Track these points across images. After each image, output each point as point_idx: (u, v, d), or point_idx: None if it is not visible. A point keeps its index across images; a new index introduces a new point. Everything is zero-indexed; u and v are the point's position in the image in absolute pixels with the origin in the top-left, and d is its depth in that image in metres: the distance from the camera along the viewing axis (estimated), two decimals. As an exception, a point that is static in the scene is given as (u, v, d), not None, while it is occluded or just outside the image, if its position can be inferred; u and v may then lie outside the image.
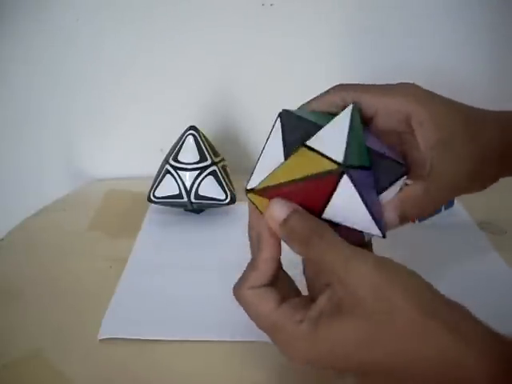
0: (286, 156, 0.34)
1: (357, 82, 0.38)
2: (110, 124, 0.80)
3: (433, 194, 0.36)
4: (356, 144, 0.34)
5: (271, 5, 0.74)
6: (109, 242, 0.63)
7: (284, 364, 0.43)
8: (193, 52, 0.76)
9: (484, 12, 0.75)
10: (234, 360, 0.44)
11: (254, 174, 0.36)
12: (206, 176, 0.63)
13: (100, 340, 0.46)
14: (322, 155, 0.33)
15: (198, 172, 0.63)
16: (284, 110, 0.36)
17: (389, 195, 0.36)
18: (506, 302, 0.48)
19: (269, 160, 0.35)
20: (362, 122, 0.36)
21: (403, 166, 0.36)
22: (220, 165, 0.64)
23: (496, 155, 0.37)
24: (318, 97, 0.39)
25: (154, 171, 0.66)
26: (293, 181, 0.33)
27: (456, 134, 0.36)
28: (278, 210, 0.33)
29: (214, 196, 0.62)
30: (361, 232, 0.35)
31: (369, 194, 0.34)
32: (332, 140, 0.34)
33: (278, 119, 0.36)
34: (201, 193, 0.62)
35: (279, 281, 0.36)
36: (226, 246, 0.59)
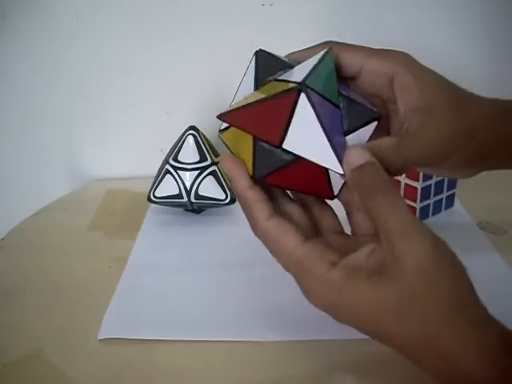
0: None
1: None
2: (110, 124, 0.80)
3: (404, 150, 0.34)
4: (322, 76, 0.34)
5: (271, 5, 0.74)
6: (109, 242, 0.63)
7: (284, 364, 0.43)
8: (193, 52, 0.76)
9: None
10: (234, 360, 0.44)
11: (231, 106, 0.36)
12: (206, 176, 0.63)
13: (100, 340, 0.46)
14: (287, 81, 0.33)
15: (198, 172, 0.63)
16: (260, 50, 0.36)
17: (357, 139, 0.35)
18: (506, 301, 0.48)
19: (241, 97, 0.35)
20: (338, 71, 0.36)
21: (375, 113, 0.35)
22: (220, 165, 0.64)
23: (479, 129, 0.36)
24: (303, 49, 0.38)
25: (154, 171, 0.66)
26: (254, 102, 0.33)
27: (439, 102, 0.35)
28: (356, 155, 0.32)
29: (214, 196, 0.62)
30: (324, 170, 0.34)
31: (332, 128, 0.33)
32: (299, 72, 0.33)
33: (254, 57, 0.36)
34: (201, 193, 0.62)
35: (292, 215, 0.35)
36: (226, 246, 0.59)
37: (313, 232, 0.36)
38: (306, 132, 0.32)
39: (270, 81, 0.34)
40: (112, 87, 0.78)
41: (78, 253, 0.60)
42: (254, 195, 0.33)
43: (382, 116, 0.35)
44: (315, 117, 0.32)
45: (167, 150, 0.67)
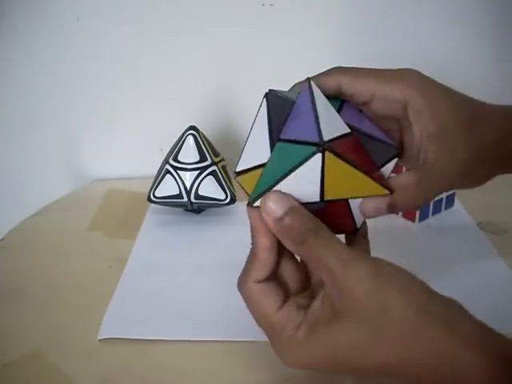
0: (271, 140, 0.34)
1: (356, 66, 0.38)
2: (110, 124, 0.80)
3: (425, 185, 0.35)
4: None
5: (271, 5, 0.74)
6: (109, 241, 0.63)
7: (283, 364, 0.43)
8: (193, 52, 0.76)
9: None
10: (234, 360, 0.44)
11: (242, 157, 0.36)
12: (206, 176, 0.63)
13: (100, 340, 0.46)
14: (298, 142, 0.32)
15: (197, 172, 0.63)
16: (270, 91, 0.36)
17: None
18: (506, 302, 0.48)
19: (255, 143, 0.35)
20: (349, 98, 0.36)
21: (395, 148, 0.35)
22: (220, 165, 0.64)
23: (493, 150, 0.37)
24: (313, 77, 0.38)
25: (154, 171, 0.66)
26: (281, 178, 0.33)
27: (453, 126, 0.35)
28: (274, 205, 0.32)
29: (214, 196, 0.62)
30: (347, 206, 0.34)
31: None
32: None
33: (264, 100, 0.35)
34: (201, 193, 0.62)
35: (283, 271, 0.35)
36: (226, 245, 0.59)
37: (300, 286, 0.36)
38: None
39: (276, 143, 0.34)
40: (112, 87, 0.78)
41: (77, 253, 0.60)
42: (264, 256, 0.34)
43: (400, 152, 0.35)
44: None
45: (167, 150, 0.67)
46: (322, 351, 0.31)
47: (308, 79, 0.35)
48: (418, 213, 0.61)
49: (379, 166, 0.35)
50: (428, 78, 0.37)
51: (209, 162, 0.63)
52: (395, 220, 0.63)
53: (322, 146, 0.31)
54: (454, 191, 0.64)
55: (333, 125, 0.33)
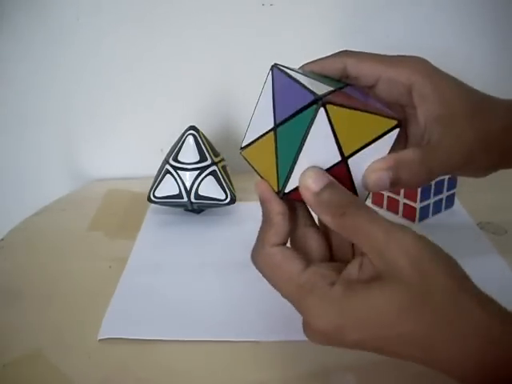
0: (274, 116, 0.34)
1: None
2: (110, 124, 0.80)
3: (428, 162, 0.34)
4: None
5: (271, 5, 0.74)
6: (109, 241, 0.63)
7: (284, 364, 0.43)
8: (193, 52, 0.76)
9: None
10: (234, 360, 0.44)
11: (247, 133, 0.36)
12: (206, 176, 0.63)
13: (100, 340, 0.46)
14: (296, 114, 0.32)
15: (198, 172, 0.63)
16: (276, 66, 0.35)
17: (377, 150, 0.34)
18: (506, 302, 0.48)
19: (260, 120, 0.35)
20: (354, 81, 0.37)
21: (395, 119, 0.34)
22: (220, 165, 0.64)
23: (498, 139, 0.37)
24: (319, 59, 0.38)
25: (154, 171, 0.66)
26: (297, 154, 0.32)
27: (459, 111, 0.35)
28: (312, 181, 0.32)
29: (214, 196, 0.62)
30: (350, 180, 0.34)
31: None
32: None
33: (270, 75, 0.35)
34: (201, 193, 0.62)
35: (305, 240, 0.35)
36: (226, 246, 0.59)
37: (323, 256, 0.36)
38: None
39: (275, 130, 0.34)
40: (112, 87, 0.78)
41: (77, 253, 0.60)
42: (279, 221, 0.33)
43: (401, 122, 0.35)
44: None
45: (167, 150, 0.67)
46: (357, 312, 0.30)
47: (273, 65, 0.35)
48: (417, 213, 0.61)
49: (379, 106, 0.35)
50: (436, 67, 0.37)
51: (209, 161, 0.63)
52: (395, 220, 0.63)
53: (322, 100, 0.31)
54: (454, 191, 0.64)
55: (320, 86, 0.33)
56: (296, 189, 0.34)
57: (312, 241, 0.35)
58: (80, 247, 0.62)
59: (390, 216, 0.64)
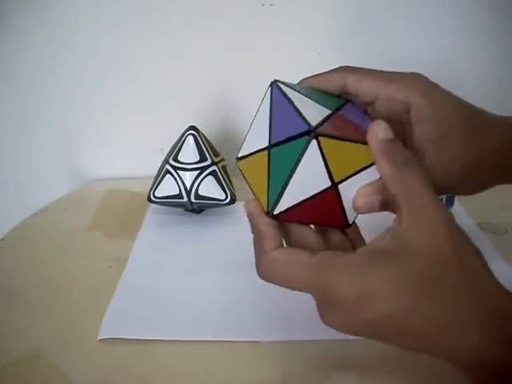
0: (270, 130, 0.35)
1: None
2: (109, 124, 0.80)
3: None
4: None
5: (271, 5, 0.74)
6: (109, 241, 0.63)
7: (284, 364, 0.43)
8: (193, 52, 0.76)
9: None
10: (234, 360, 0.44)
11: (244, 144, 0.37)
12: (206, 176, 0.63)
13: (100, 340, 0.46)
14: (290, 139, 0.33)
15: (198, 172, 0.63)
16: (275, 83, 0.36)
17: (372, 172, 0.35)
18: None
19: (257, 131, 0.36)
20: (354, 98, 0.37)
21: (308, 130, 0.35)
22: (220, 165, 0.64)
23: (493, 157, 0.37)
24: (318, 74, 0.38)
25: (154, 171, 0.66)
26: (288, 178, 0.33)
27: (455, 133, 0.36)
28: (383, 130, 0.32)
29: (214, 196, 0.62)
30: (338, 200, 0.35)
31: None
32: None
33: (269, 91, 0.36)
34: (201, 193, 0.62)
35: (302, 238, 0.36)
36: (226, 245, 0.59)
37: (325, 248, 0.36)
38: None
39: (269, 150, 0.35)
40: (112, 87, 0.78)
41: (77, 253, 0.60)
42: (269, 230, 0.34)
43: None
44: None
45: (167, 150, 0.67)
46: (383, 278, 0.29)
47: (272, 82, 0.36)
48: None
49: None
50: (434, 83, 0.37)
51: (209, 161, 0.63)
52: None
53: (314, 132, 0.32)
54: (454, 191, 0.64)
55: (313, 112, 0.34)
56: (285, 211, 0.34)
57: (309, 237, 0.36)
58: (80, 247, 0.61)
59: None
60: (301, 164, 0.32)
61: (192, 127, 0.65)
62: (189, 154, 0.63)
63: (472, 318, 0.29)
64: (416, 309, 0.29)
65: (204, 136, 0.65)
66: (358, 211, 0.35)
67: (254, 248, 0.35)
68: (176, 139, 0.66)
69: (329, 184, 0.34)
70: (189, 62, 0.77)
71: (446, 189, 0.37)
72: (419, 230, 0.30)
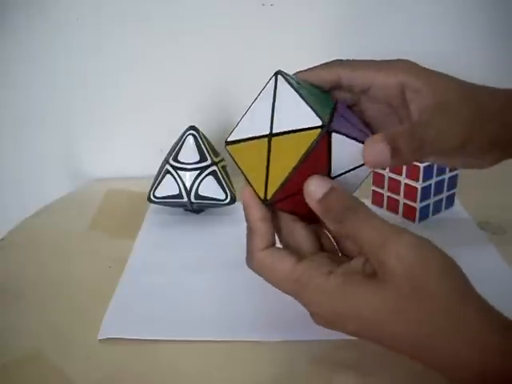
0: (271, 123, 0.35)
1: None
2: (110, 124, 0.80)
3: (418, 134, 0.34)
4: (313, 100, 0.34)
5: (271, 5, 0.74)
6: (109, 242, 0.63)
7: (284, 364, 0.43)
8: (193, 52, 0.76)
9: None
10: (234, 360, 0.44)
11: (236, 129, 0.37)
12: (206, 176, 0.63)
13: (100, 340, 0.46)
14: (298, 131, 0.33)
15: (198, 172, 0.63)
16: (280, 73, 0.36)
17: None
18: (506, 302, 0.48)
19: (253, 122, 0.36)
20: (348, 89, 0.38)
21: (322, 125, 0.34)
22: (220, 165, 0.64)
23: (495, 115, 0.37)
24: (312, 69, 0.39)
25: (154, 171, 0.66)
26: (291, 172, 0.34)
27: (451, 99, 0.36)
28: (316, 187, 0.33)
29: (214, 196, 0.62)
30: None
31: (352, 128, 0.36)
32: (293, 114, 0.34)
33: (273, 80, 0.36)
34: (201, 193, 0.62)
35: (293, 236, 0.37)
36: (226, 245, 0.59)
37: (314, 249, 0.37)
38: (345, 153, 0.34)
39: (270, 138, 0.35)
40: (112, 87, 0.78)
41: (77, 253, 0.60)
42: (260, 226, 0.35)
43: None
44: (346, 137, 0.34)
45: (167, 150, 0.67)
46: (356, 302, 0.31)
47: (277, 72, 0.36)
48: (417, 213, 0.61)
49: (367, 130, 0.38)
50: (423, 66, 0.38)
51: (209, 162, 0.63)
52: (395, 220, 0.63)
53: (328, 127, 0.32)
54: (454, 191, 0.64)
55: (320, 106, 0.34)
56: (283, 199, 0.35)
57: (300, 236, 0.37)
58: (80, 247, 0.61)
59: (390, 216, 0.64)
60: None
61: (192, 127, 0.65)
62: (189, 154, 0.63)
63: (449, 339, 0.29)
64: (388, 329, 0.31)
65: (204, 136, 0.65)
66: (369, 164, 0.34)
67: (246, 239, 0.37)
68: (176, 139, 0.66)
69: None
70: (189, 62, 0.77)
71: (448, 148, 0.37)
72: (392, 257, 0.31)
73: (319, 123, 0.33)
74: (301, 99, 0.34)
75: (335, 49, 0.76)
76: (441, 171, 0.61)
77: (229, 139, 0.37)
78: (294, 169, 0.33)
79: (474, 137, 0.36)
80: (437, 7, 0.75)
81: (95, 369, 0.43)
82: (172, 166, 0.63)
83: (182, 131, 0.65)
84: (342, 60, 0.39)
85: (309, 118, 0.33)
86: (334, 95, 0.39)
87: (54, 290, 0.54)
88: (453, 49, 0.77)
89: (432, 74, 0.37)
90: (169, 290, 0.52)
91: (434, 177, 0.60)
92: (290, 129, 0.34)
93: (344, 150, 0.34)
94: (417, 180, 0.59)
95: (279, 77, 0.36)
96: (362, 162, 0.35)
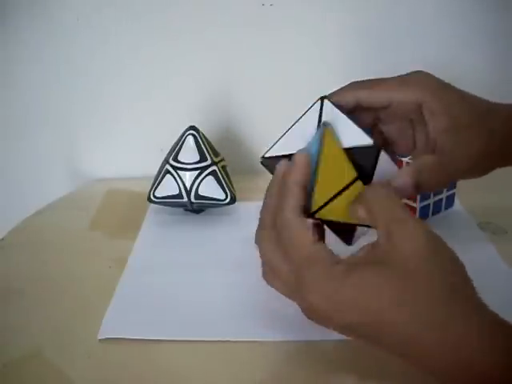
0: (319, 145, 0.36)
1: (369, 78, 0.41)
2: (110, 124, 0.80)
3: (446, 165, 0.38)
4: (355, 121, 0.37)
5: (271, 5, 0.74)
6: (109, 242, 0.63)
7: (284, 364, 0.43)
8: (193, 52, 0.76)
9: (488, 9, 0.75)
10: (234, 360, 0.44)
11: (274, 146, 0.39)
12: (206, 176, 0.63)
13: (100, 340, 0.46)
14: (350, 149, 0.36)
15: (197, 172, 0.63)
16: (326, 98, 0.38)
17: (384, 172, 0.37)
18: (507, 302, 0.48)
19: (296, 139, 0.38)
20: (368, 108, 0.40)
21: (373, 146, 0.37)
22: (220, 165, 0.64)
23: (500, 143, 0.40)
24: (331, 94, 0.40)
25: (154, 171, 0.66)
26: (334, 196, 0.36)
27: (465, 122, 0.38)
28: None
29: (214, 196, 0.62)
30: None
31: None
32: (342, 133, 0.36)
33: (318, 105, 0.38)
34: (201, 193, 0.62)
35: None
36: (226, 245, 0.59)
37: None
38: (384, 168, 0.37)
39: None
40: (112, 87, 0.78)
41: (77, 253, 0.60)
42: (297, 189, 0.36)
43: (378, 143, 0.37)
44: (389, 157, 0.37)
45: (167, 150, 0.67)
46: (352, 291, 0.31)
47: (322, 97, 0.38)
48: (417, 213, 0.61)
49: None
50: (439, 80, 0.40)
51: (209, 162, 0.63)
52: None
53: (377, 148, 0.35)
54: (454, 191, 0.64)
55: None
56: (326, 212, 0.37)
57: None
58: (80, 247, 0.62)
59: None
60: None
61: (192, 127, 0.65)
62: (189, 154, 0.63)
63: (446, 335, 0.29)
64: (388, 319, 0.30)
65: (204, 136, 0.65)
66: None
67: (269, 201, 0.37)
68: (176, 139, 0.66)
69: None
70: (189, 62, 0.77)
71: (462, 172, 0.40)
72: (399, 240, 0.31)
73: (371, 142, 0.35)
74: (350, 121, 0.36)
75: (335, 49, 0.76)
76: (441, 171, 0.61)
77: (265, 155, 0.39)
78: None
79: (480, 162, 0.39)
80: (441, 8, 0.75)
81: (95, 369, 0.43)
82: (172, 165, 0.63)
83: (182, 131, 0.65)
84: (358, 82, 0.41)
85: (359, 138, 0.36)
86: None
87: (54, 289, 0.54)
88: (455, 50, 0.77)
89: (446, 91, 0.39)
90: (169, 290, 0.52)
91: (434, 177, 0.60)
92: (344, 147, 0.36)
93: (383, 168, 0.37)
94: (417, 180, 0.59)
95: (325, 101, 0.38)
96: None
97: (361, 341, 0.33)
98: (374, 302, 0.30)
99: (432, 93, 0.38)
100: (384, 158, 0.36)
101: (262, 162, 0.39)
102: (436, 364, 0.30)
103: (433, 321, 0.29)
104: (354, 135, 0.36)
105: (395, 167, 0.38)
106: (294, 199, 0.35)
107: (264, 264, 0.37)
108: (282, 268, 0.35)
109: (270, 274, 0.37)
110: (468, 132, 0.38)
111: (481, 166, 0.41)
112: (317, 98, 0.38)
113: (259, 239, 0.37)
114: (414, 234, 0.31)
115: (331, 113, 0.37)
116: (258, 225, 0.38)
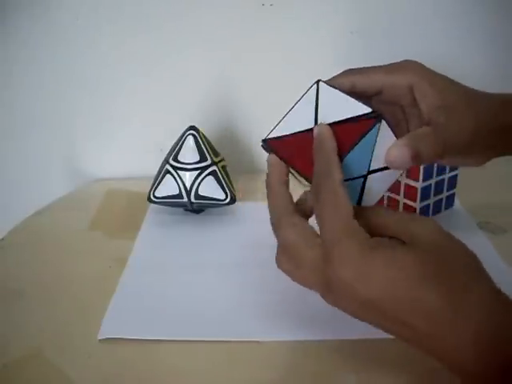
0: (316, 118, 0.38)
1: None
2: (109, 124, 0.80)
3: (442, 134, 0.38)
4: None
5: (271, 5, 0.74)
6: (109, 242, 0.63)
7: (284, 364, 0.43)
8: (193, 52, 0.76)
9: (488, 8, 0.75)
10: (234, 360, 0.44)
11: (276, 129, 0.39)
12: (205, 176, 0.63)
13: (100, 340, 0.46)
14: (350, 120, 0.37)
15: (197, 172, 0.63)
16: (321, 81, 0.39)
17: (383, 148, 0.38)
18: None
19: (296, 120, 0.39)
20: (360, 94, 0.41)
21: (374, 114, 0.37)
22: (220, 165, 0.64)
23: (492, 124, 0.40)
24: (330, 79, 0.41)
25: (154, 171, 0.66)
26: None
27: (456, 101, 0.39)
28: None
29: (214, 196, 0.62)
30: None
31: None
32: (340, 107, 0.37)
33: (314, 88, 0.39)
34: (201, 193, 0.62)
35: None
36: (226, 246, 0.59)
37: None
38: (386, 146, 0.37)
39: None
40: (112, 87, 0.78)
41: (78, 253, 0.60)
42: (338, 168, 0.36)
43: (381, 115, 0.38)
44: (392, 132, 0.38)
45: (167, 150, 0.67)
46: (384, 265, 0.32)
47: (318, 80, 0.39)
48: (417, 213, 0.61)
49: None
50: (428, 68, 0.41)
51: (209, 162, 0.63)
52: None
53: (380, 115, 0.36)
54: (454, 191, 0.64)
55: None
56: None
57: None
58: (80, 247, 0.62)
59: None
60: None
61: (192, 127, 0.65)
62: (189, 154, 0.63)
63: (467, 317, 0.30)
64: (407, 295, 0.31)
65: (204, 136, 0.65)
66: (391, 165, 0.37)
67: (323, 167, 0.37)
68: (176, 139, 0.66)
69: (365, 172, 0.38)
70: (188, 62, 0.77)
71: (461, 145, 0.40)
72: (421, 224, 0.34)
73: (368, 110, 0.36)
74: (347, 96, 0.37)
75: (335, 49, 0.76)
76: (441, 171, 0.61)
77: (270, 136, 0.39)
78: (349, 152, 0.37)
79: (477, 138, 0.39)
80: (441, 8, 0.75)
81: (95, 369, 0.43)
82: (172, 165, 0.63)
83: (182, 131, 0.65)
84: (353, 69, 0.42)
85: (359, 108, 0.36)
86: None
87: (54, 289, 0.54)
88: (455, 50, 0.77)
89: (436, 77, 0.40)
90: (169, 290, 0.52)
91: (434, 177, 0.60)
92: (339, 119, 0.37)
93: (384, 139, 0.37)
94: (417, 180, 0.59)
95: (321, 83, 0.38)
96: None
97: (374, 322, 0.33)
98: (401, 278, 0.31)
99: (422, 76, 0.40)
100: (384, 127, 0.37)
101: (262, 146, 0.40)
102: (459, 344, 0.30)
103: (454, 304, 0.30)
104: (353, 107, 0.37)
105: (395, 139, 0.38)
106: (338, 173, 0.36)
107: (280, 246, 0.37)
108: (303, 246, 0.36)
109: (284, 254, 0.37)
110: (459, 111, 0.39)
111: (477, 147, 0.40)
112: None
113: (280, 222, 0.37)
114: (428, 226, 0.34)
115: (327, 92, 0.38)
116: (276, 212, 0.38)
